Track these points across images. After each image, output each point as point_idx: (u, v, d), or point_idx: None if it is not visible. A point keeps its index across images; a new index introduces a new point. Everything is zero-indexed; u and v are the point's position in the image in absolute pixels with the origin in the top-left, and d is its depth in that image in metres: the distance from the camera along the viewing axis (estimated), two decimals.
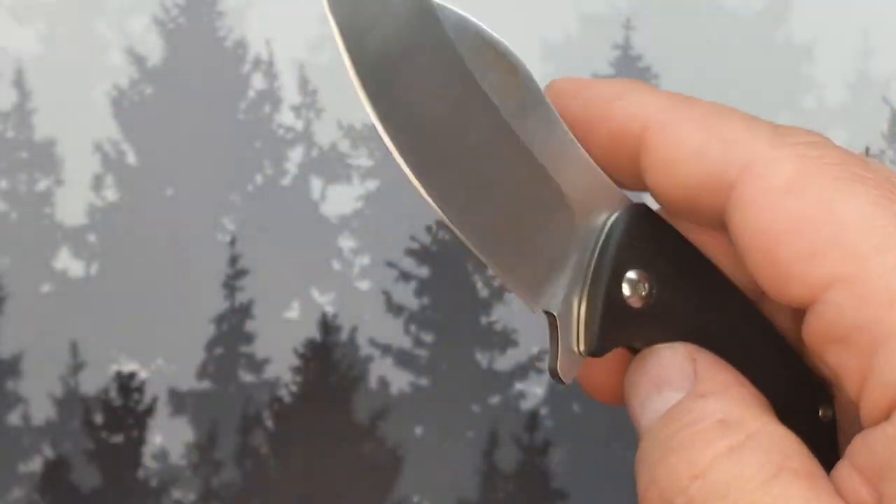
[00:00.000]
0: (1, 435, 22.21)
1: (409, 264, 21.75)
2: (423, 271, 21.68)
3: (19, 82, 35.46)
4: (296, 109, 35.70)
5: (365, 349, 21.41)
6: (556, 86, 0.59)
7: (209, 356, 21.69)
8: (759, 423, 0.53)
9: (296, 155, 36.06)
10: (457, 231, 0.55)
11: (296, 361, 16.78)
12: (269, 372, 21.62)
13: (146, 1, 47.05)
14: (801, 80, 58.02)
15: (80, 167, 36.77)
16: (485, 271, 21.24)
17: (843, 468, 0.53)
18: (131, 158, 36.01)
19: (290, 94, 36.92)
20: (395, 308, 21.75)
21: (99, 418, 16.32)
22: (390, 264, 22.00)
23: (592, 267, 0.57)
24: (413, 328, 21.80)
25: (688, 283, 0.58)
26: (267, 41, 36.48)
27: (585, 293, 0.56)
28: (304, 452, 16.24)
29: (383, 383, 21.63)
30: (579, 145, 0.58)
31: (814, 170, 0.53)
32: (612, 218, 0.58)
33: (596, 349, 0.56)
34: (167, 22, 36.64)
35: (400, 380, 22.10)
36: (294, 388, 16.56)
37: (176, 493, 18.25)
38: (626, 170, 0.58)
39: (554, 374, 0.57)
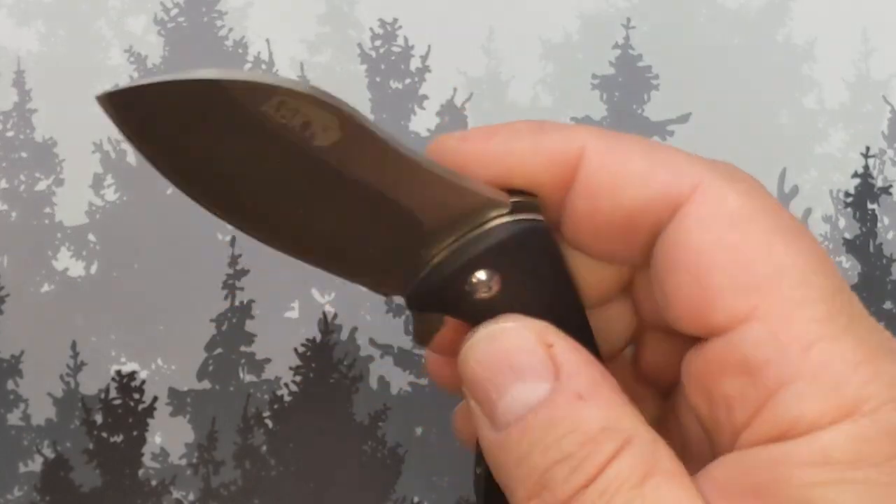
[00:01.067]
0: (1, 435, 22.21)
1: None
2: None
3: (19, 82, 35.46)
4: None
5: (365, 349, 21.41)
6: (451, 141, 0.59)
7: (209, 356, 21.69)
8: (634, 428, 0.56)
9: None
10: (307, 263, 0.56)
11: (296, 361, 16.78)
12: (269, 372, 21.61)
13: (146, 1, 47.07)
14: (801, 80, 58.01)
15: (80, 167, 36.79)
16: None
17: (700, 481, 0.56)
18: (131, 158, 36.01)
19: None
20: (395, 308, 21.76)
21: (99, 418, 16.31)
22: None
23: (453, 249, 0.57)
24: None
25: (538, 298, 0.58)
26: (267, 41, 36.48)
27: (433, 263, 0.57)
28: (304, 452, 16.24)
29: (383, 383, 21.63)
30: (427, 162, 0.58)
31: (758, 210, 0.56)
32: (497, 220, 0.58)
33: (417, 305, 0.58)
34: (167, 22, 36.65)
35: (400, 380, 22.10)
36: (294, 388, 16.56)
37: (176, 493, 18.25)
38: (551, 202, 0.59)
39: (415, 339, 0.59)
